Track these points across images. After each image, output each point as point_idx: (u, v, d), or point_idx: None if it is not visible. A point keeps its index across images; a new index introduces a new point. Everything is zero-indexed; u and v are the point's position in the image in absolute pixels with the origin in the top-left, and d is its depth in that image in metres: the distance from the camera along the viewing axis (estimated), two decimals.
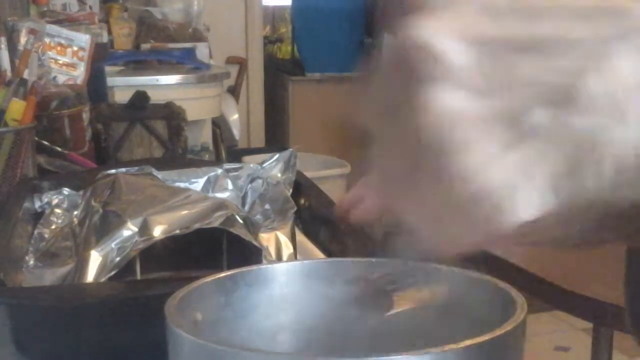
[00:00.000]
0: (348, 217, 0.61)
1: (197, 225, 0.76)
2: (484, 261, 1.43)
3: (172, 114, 1.50)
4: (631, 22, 0.29)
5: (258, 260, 0.77)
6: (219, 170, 0.99)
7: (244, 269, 0.47)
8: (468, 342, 0.34)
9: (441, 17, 0.31)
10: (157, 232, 0.75)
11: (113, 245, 0.74)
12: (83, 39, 1.59)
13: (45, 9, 2.12)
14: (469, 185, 0.30)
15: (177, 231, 0.75)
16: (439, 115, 0.30)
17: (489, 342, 0.35)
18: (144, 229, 0.75)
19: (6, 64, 1.27)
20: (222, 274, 0.46)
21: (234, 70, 3.61)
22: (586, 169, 0.30)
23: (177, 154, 1.47)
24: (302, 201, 1.01)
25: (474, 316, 0.43)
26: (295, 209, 0.94)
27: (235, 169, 1.00)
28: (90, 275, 0.73)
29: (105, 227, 0.78)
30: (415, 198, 0.33)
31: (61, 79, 1.53)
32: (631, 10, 0.30)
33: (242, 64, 3.87)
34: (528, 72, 0.30)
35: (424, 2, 0.32)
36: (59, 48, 1.55)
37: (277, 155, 1.01)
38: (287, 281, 0.48)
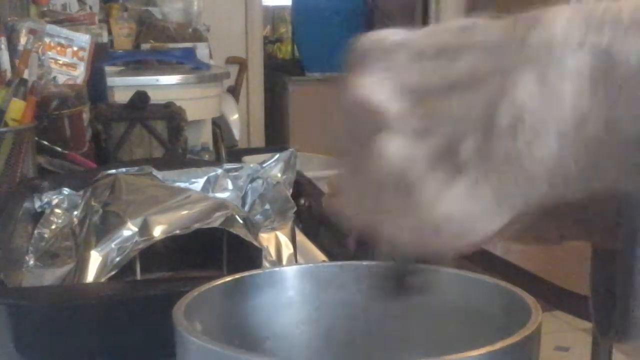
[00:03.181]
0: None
1: (197, 225, 0.76)
2: (484, 261, 1.43)
3: (172, 114, 1.50)
4: (527, 53, 0.32)
5: (258, 261, 0.77)
6: (219, 170, 0.99)
7: (251, 272, 0.46)
8: (489, 348, 0.34)
9: (374, 71, 0.35)
10: (157, 232, 0.75)
11: (113, 245, 0.74)
12: (83, 39, 1.58)
13: (45, 9, 2.12)
14: (430, 218, 0.34)
15: (177, 231, 0.75)
16: (388, 162, 0.34)
17: (511, 347, 0.35)
18: (144, 229, 0.75)
19: (6, 64, 1.27)
20: (229, 278, 0.45)
21: (234, 70, 3.61)
22: (522, 183, 0.33)
23: (177, 154, 1.47)
24: (302, 201, 1.00)
25: (485, 320, 0.43)
26: (295, 209, 0.93)
27: (235, 169, 1.00)
28: (90, 275, 0.73)
29: (105, 227, 0.78)
30: (386, 217, 0.36)
31: (61, 79, 1.53)
32: (527, 41, 0.32)
33: (242, 64, 3.87)
34: (453, 110, 0.33)
35: (359, 57, 0.36)
36: (59, 48, 1.54)
37: (277, 155, 1.01)
38: (296, 284, 0.47)
